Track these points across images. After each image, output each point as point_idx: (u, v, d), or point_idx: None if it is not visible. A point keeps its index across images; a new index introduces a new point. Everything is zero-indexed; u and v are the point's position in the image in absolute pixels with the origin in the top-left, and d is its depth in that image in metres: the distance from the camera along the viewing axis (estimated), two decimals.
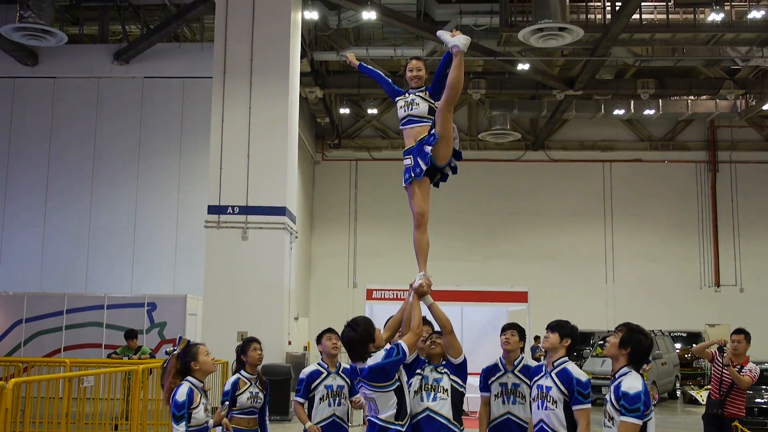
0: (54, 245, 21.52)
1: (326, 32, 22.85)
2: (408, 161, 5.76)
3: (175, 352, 5.58)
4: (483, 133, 26.96)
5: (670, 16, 19.67)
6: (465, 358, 5.64)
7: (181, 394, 5.34)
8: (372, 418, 5.27)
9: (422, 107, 5.76)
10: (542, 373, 5.43)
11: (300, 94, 19.34)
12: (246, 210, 16.22)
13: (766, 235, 28.53)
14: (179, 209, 21.28)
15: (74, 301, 18.83)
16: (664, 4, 19.67)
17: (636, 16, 18.94)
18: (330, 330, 6.53)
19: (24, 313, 18.78)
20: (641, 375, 4.81)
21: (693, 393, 19.46)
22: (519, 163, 29.30)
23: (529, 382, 5.69)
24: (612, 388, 4.75)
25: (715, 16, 19.05)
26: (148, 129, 21.85)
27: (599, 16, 19.93)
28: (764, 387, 13.85)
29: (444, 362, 5.63)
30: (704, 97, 25.16)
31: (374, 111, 28.54)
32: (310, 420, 6.17)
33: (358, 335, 5.27)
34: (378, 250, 27.97)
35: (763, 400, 13.94)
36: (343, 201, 29.13)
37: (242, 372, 6.56)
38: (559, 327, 5.49)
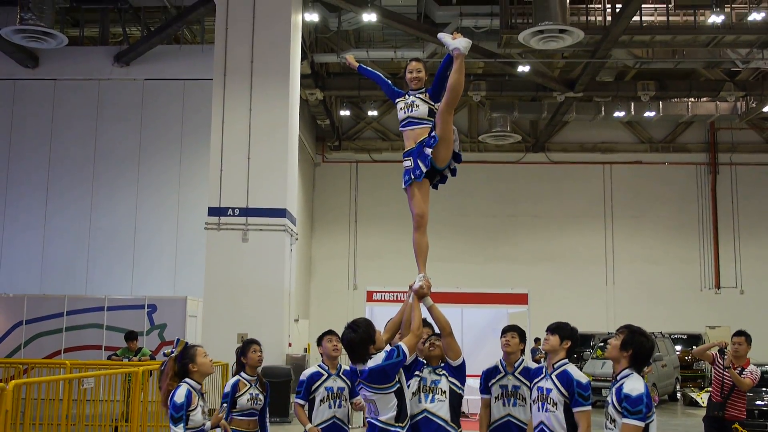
0: (54, 247, 21.52)
1: (327, 34, 22.88)
2: (408, 163, 5.75)
3: (172, 354, 5.58)
4: (483, 135, 26.98)
5: (671, 18, 19.68)
6: (464, 360, 5.64)
7: (180, 396, 5.34)
8: (372, 420, 5.27)
9: (422, 109, 5.76)
10: (542, 375, 5.43)
11: (300, 96, 19.34)
12: (246, 212, 16.23)
13: (766, 237, 28.52)
14: (179, 211, 21.28)
15: (74, 303, 18.83)
16: (665, 6, 19.70)
17: (636, 18, 18.96)
18: (330, 332, 6.53)
19: (24, 314, 18.79)
20: (642, 377, 4.81)
21: (693, 395, 19.45)
22: (519, 165, 29.31)
23: (529, 384, 5.69)
24: (613, 390, 4.75)
25: (716, 18, 19.06)
26: (149, 131, 21.86)
27: (599, 18, 19.95)
28: (765, 389, 13.85)
29: (443, 364, 5.62)
30: (704, 99, 25.19)
31: (374, 113, 28.56)
32: (311, 422, 6.17)
33: (359, 337, 5.27)
34: (378, 252, 27.97)
35: (763, 403, 13.93)
36: (344, 203, 29.13)
37: (242, 374, 6.55)
38: (560, 329, 5.49)
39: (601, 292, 28.28)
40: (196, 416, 5.39)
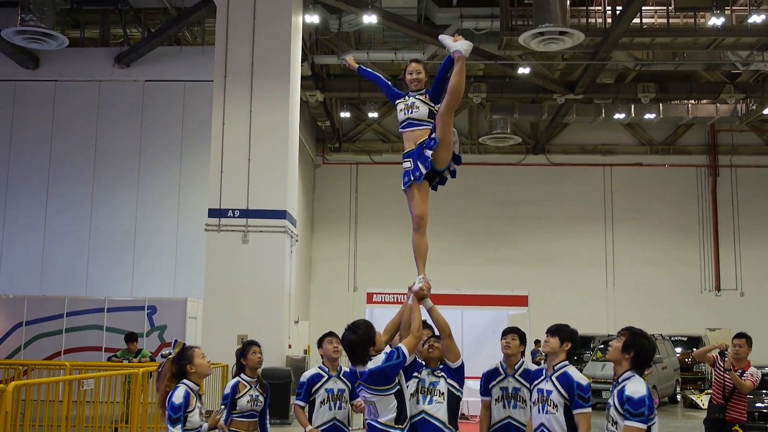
0: (54, 248, 21.52)
1: (327, 36, 22.89)
2: (407, 164, 5.74)
3: (170, 355, 5.58)
4: (483, 137, 26.98)
5: (671, 20, 19.67)
6: (462, 362, 5.62)
7: (178, 397, 5.33)
8: (372, 422, 5.26)
9: (422, 110, 5.75)
10: (542, 377, 5.43)
11: (301, 98, 19.35)
12: (246, 213, 16.23)
13: (766, 239, 28.51)
14: (180, 212, 21.28)
15: (74, 304, 18.82)
16: (665, 8, 19.69)
17: (636, 20, 18.95)
18: (331, 333, 6.53)
19: (24, 316, 18.78)
20: (643, 379, 4.81)
21: (693, 397, 19.44)
22: (519, 167, 29.31)
23: (529, 386, 5.68)
24: (615, 392, 4.74)
25: (716, 21, 19.06)
26: (149, 132, 21.86)
27: (600, 21, 19.95)
28: (765, 391, 13.82)
29: (441, 366, 5.61)
30: (705, 101, 25.19)
31: (375, 115, 28.56)
32: (311, 423, 6.17)
33: (359, 338, 5.26)
34: (378, 253, 27.96)
35: (763, 405, 13.91)
36: (344, 204, 29.13)
37: (242, 375, 6.55)
38: (560, 331, 5.48)
39: (602, 294, 28.27)
40: (194, 417, 5.38)
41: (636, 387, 4.65)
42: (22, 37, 17.97)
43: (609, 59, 21.06)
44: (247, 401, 6.42)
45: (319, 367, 6.42)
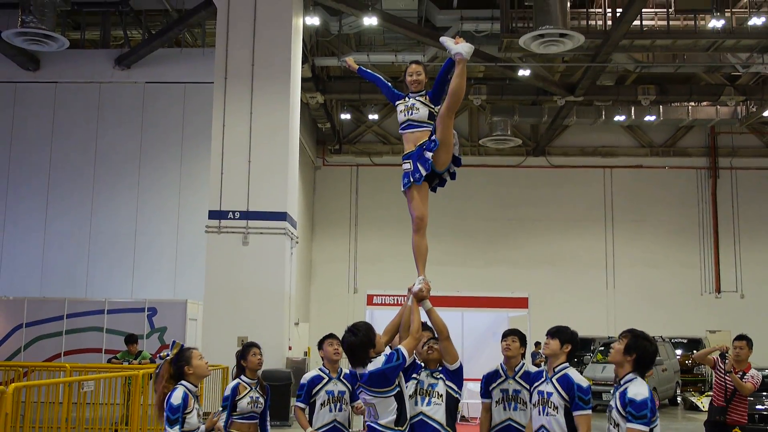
0: (55, 250, 21.51)
1: (327, 38, 22.90)
2: (407, 166, 5.74)
3: (168, 356, 5.57)
4: (484, 139, 26.99)
5: (671, 22, 19.68)
6: (461, 364, 5.61)
7: (177, 398, 5.32)
8: (372, 424, 5.25)
9: (422, 112, 5.75)
10: (543, 379, 5.43)
11: (301, 100, 19.36)
12: (247, 215, 16.23)
13: (766, 241, 28.52)
14: (180, 214, 21.28)
15: (75, 306, 18.81)
16: (665, 10, 19.70)
17: (637, 22, 18.96)
18: (331, 335, 6.52)
19: (24, 317, 18.76)
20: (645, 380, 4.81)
21: (694, 399, 19.43)
22: (520, 168, 29.31)
23: (529, 388, 5.68)
24: (617, 394, 4.74)
25: (716, 23, 19.07)
26: (150, 134, 21.86)
27: (600, 23, 19.96)
28: (765, 393, 13.81)
29: (440, 368, 5.60)
30: (705, 103, 25.20)
31: (375, 116, 28.58)
32: (311, 425, 6.16)
33: (359, 340, 5.26)
34: (378, 255, 27.96)
35: (764, 407, 13.89)
36: (344, 206, 29.14)
37: (242, 377, 6.55)
38: (560, 333, 5.48)
39: (602, 296, 28.27)
40: (192, 419, 5.37)
41: (638, 389, 4.65)
42: (23, 38, 17.98)
43: (609, 61, 21.07)
44: (248, 403, 6.42)
45: (319, 369, 6.42)
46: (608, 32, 19.08)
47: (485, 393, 6.01)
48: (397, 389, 5.21)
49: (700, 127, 28.37)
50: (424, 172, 5.63)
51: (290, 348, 16.68)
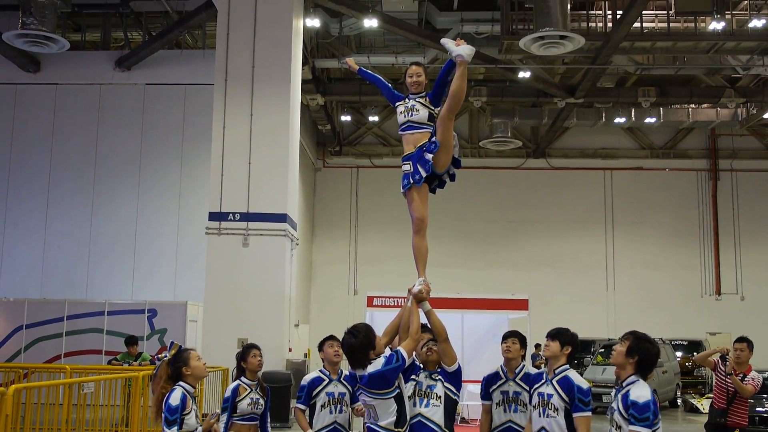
0: (55, 251, 21.51)
1: (328, 40, 22.91)
2: (407, 167, 5.75)
3: (165, 357, 5.57)
4: (484, 141, 27.01)
5: (671, 24, 19.69)
6: (459, 366, 5.61)
7: (175, 399, 5.31)
8: (371, 426, 5.25)
9: (422, 113, 5.75)
10: (543, 381, 5.43)
11: (301, 101, 19.37)
12: (247, 217, 16.22)
13: (767, 243, 28.51)
14: (180, 216, 21.28)
15: (75, 308, 18.81)
16: (665, 12, 19.71)
17: (637, 24, 18.97)
18: (332, 337, 6.52)
19: (24, 319, 18.76)
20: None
21: (694, 401, 19.42)
22: (520, 170, 29.32)
23: (530, 390, 5.67)
24: (619, 397, 4.74)
25: (716, 25, 19.08)
26: (150, 136, 21.87)
27: (600, 25, 19.97)
28: (766, 396, 13.81)
29: (439, 369, 5.59)
30: (705, 105, 25.21)
31: (375, 118, 28.59)
32: (311, 427, 6.16)
33: (359, 342, 5.26)
34: (379, 257, 27.96)
35: (764, 409, 13.90)
36: (344, 208, 29.14)
37: (242, 378, 6.55)
38: (560, 335, 5.48)
39: (602, 298, 28.27)
40: (191, 420, 5.37)
41: (641, 391, 4.65)
42: (23, 40, 17.98)
43: (609, 63, 21.08)
44: (248, 404, 6.43)
45: (320, 371, 6.42)
46: (608, 34, 19.09)
47: (485, 395, 6.01)
48: (397, 391, 5.22)
49: (701, 129, 28.38)
50: (424, 174, 5.64)
51: (290, 350, 16.67)
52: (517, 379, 5.93)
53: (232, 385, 6.55)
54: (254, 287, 15.85)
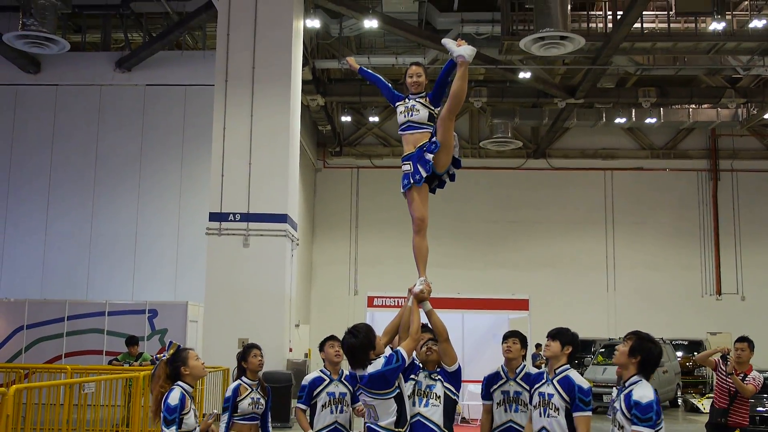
0: (55, 252, 21.52)
1: (328, 40, 22.92)
2: (407, 167, 5.75)
3: (163, 357, 5.58)
4: (484, 141, 27.01)
5: (672, 25, 19.69)
6: (459, 366, 5.61)
7: (174, 398, 5.31)
8: (372, 426, 5.26)
9: (422, 114, 5.76)
10: (543, 381, 5.43)
11: (302, 102, 19.37)
12: (247, 217, 16.23)
13: (767, 243, 28.51)
14: (180, 216, 21.30)
15: (75, 308, 18.83)
16: (666, 13, 19.71)
17: (637, 24, 18.97)
18: (333, 337, 6.52)
19: (25, 319, 18.78)
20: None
21: (694, 401, 19.42)
22: (520, 171, 29.32)
23: (530, 390, 5.67)
24: (622, 397, 4.74)
25: (717, 26, 19.08)
26: (150, 136, 21.89)
27: (600, 25, 19.97)
28: (766, 396, 13.81)
29: (438, 369, 5.59)
30: (705, 105, 25.21)
31: (375, 119, 28.59)
32: (312, 427, 6.17)
33: (359, 342, 5.26)
34: (379, 257, 27.96)
35: (764, 409, 13.90)
36: (344, 208, 29.14)
37: (243, 378, 6.56)
38: (560, 335, 5.48)
39: (602, 298, 28.26)
40: (190, 419, 5.37)
41: (644, 392, 4.65)
42: (24, 41, 17.99)
43: (610, 64, 21.08)
44: (249, 404, 6.44)
45: (320, 371, 6.42)
46: (609, 35, 19.09)
47: (486, 395, 6.01)
48: (397, 391, 5.22)
49: (701, 129, 28.38)
50: (424, 174, 5.64)
51: (291, 350, 16.68)
52: (517, 379, 5.93)
53: (233, 385, 6.56)
54: (255, 287, 15.86)
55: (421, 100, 5.80)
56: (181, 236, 21.17)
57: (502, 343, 6.06)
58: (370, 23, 19.66)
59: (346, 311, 26.62)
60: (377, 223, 28.33)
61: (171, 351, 5.58)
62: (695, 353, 21.28)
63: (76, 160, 21.94)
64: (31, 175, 22.00)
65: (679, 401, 20.20)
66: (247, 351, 6.64)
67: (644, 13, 18.75)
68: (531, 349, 17.73)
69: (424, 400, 5.47)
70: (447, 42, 5.78)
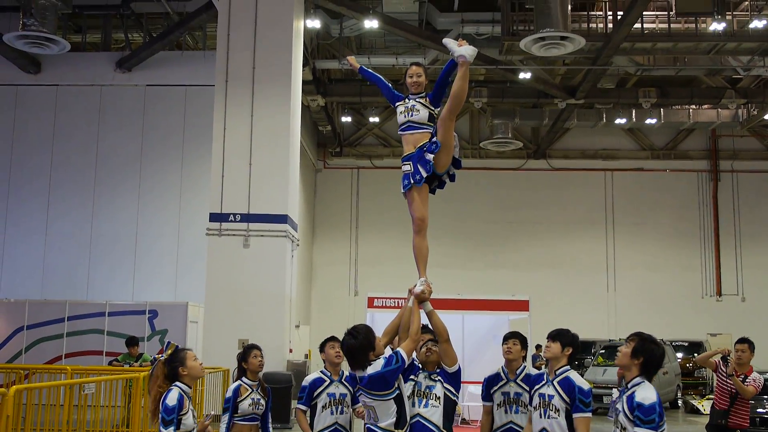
0: (56, 252, 21.52)
1: (328, 41, 22.92)
2: (407, 167, 5.74)
3: (162, 357, 5.57)
4: (484, 142, 27.01)
5: (672, 25, 19.68)
6: (459, 367, 5.61)
7: (172, 399, 5.30)
8: (372, 427, 5.25)
9: (422, 114, 5.75)
10: (544, 382, 5.42)
11: (302, 102, 19.36)
12: (247, 218, 16.22)
13: (767, 244, 28.49)
14: (181, 217, 21.29)
15: (75, 309, 18.82)
16: (666, 13, 19.71)
17: (638, 25, 18.97)
18: (333, 338, 6.52)
19: (25, 320, 18.78)
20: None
21: (695, 402, 19.41)
22: (520, 171, 29.31)
23: (530, 391, 5.67)
24: (625, 398, 4.73)
25: (717, 26, 19.08)
26: (150, 137, 21.88)
27: (601, 26, 19.96)
28: (767, 397, 13.80)
29: (438, 370, 5.59)
30: (706, 106, 25.20)
31: (376, 119, 28.58)
32: (312, 428, 6.16)
33: (359, 343, 5.26)
34: (379, 258, 27.95)
35: (765, 410, 13.89)
36: (345, 209, 29.14)
37: (243, 379, 6.57)
38: (561, 336, 5.48)
39: (602, 299, 28.25)
40: (188, 420, 5.36)
41: (646, 393, 4.64)
42: (24, 41, 17.99)
43: (610, 64, 21.08)
44: (249, 404, 6.44)
45: (321, 372, 6.42)
46: (609, 35, 19.09)
47: (486, 396, 6.01)
48: (397, 392, 5.22)
49: (701, 130, 28.37)
50: (424, 174, 5.64)
51: (291, 351, 16.68)
52: (518, 380, 5.92)
53: (233, 386, 6.56)
54: (255, 288, 15.86)
55: (421, 101, 5.79)
56: (181, 237, 21.17)
57: (503, 344, 6.06)
58: (371, 23, 19.66)
59: (346, 312, 26.62)
60: (377, 223, 28.33)
61: (169, 351, 5.57)
62: (695, 354, 21.29)
63: (77, 160, 21.94)
64: (31, 175, 22.00)
65: (680, 402, 20.19)
66: (248, 352, 6.64)
67: (644, 13, 18.75)
68: (531, 350, 17.75)
69: (424, 400, 5.46)
70: (448, 42, 5.78)
